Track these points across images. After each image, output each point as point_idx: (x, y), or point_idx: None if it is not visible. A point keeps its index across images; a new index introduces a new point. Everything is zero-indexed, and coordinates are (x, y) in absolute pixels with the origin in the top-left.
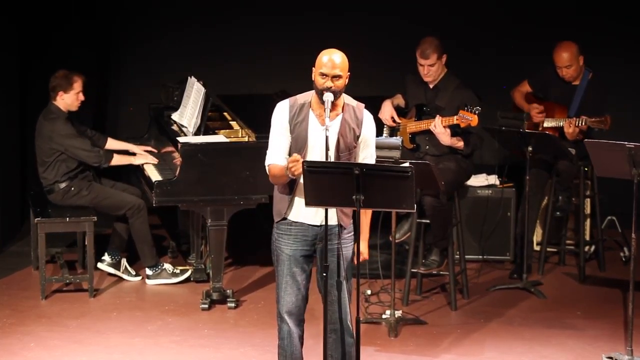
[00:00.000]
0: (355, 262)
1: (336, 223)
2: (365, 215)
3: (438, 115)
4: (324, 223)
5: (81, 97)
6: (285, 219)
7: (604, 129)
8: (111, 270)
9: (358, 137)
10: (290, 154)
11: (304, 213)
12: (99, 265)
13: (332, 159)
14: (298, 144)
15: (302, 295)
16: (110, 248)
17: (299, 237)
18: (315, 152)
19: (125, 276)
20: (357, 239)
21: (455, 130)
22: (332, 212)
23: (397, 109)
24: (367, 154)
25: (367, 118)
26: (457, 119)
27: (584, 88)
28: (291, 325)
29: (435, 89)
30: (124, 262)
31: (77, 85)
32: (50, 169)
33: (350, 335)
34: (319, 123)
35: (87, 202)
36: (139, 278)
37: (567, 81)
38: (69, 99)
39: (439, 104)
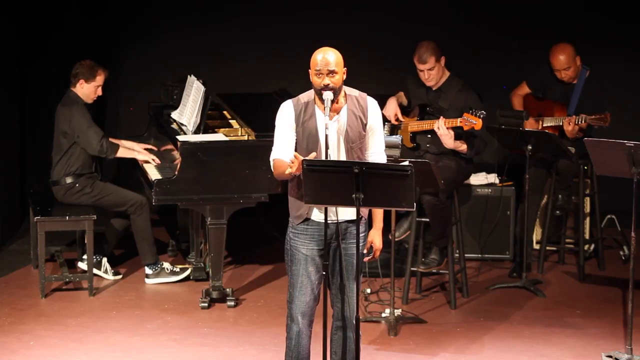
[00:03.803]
0: (366, 257)
1: (354, 217)
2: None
3: (442, 117)
4: (342, 219)
5: (99, 91)
6: (306, 219)
7: (604, 126)
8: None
9: (366, 125)
10: (300, 153)
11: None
12: (80, 264)
13: (343, 151)
14: (309, 142)
15: (315, 295)
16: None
17: (316, 237)
18: (328, 150)
19: (105, 275)
20: (358, 239)
21: (458, 133)
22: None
23: (400, 106)
24: (376, 142)
25: (372, 105)
26: (460, 122)
27: (581, 86)
28: (302, 326)
29: (438, 91)
30: (104, 261)
31: (100, 78)
32: (63, 160)
33: (354, 332)
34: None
35: (90, 199)
36: (119, 277)
37: (566, 81)
38: (87, 90)
39: (442, 104)
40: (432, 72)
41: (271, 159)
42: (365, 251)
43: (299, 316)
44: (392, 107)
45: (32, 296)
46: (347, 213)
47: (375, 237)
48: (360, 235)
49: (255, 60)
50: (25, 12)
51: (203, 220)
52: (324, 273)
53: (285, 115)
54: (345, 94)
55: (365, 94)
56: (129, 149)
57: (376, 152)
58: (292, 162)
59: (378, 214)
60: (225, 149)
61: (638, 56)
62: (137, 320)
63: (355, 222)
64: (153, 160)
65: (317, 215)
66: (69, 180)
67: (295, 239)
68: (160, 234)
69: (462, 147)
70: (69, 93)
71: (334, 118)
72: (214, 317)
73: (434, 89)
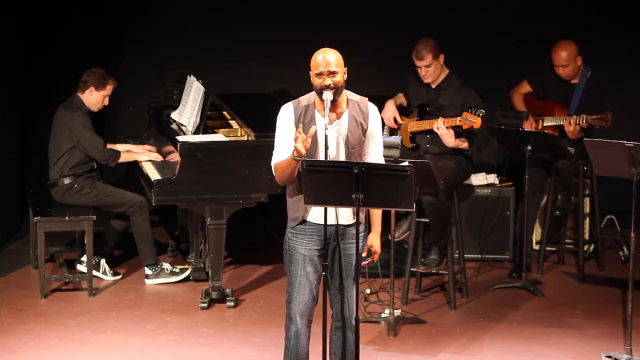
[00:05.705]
0: (364, 258)
1: (353, 221)
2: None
3: (440, 117)
4: (339, 222)
5: (106, 101)
6: (303, 221)
7: (605, 125)
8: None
9: (366, 130)
10: None
11: (322, 213)
12: (78, 266)
13: (343, 155)
14: (310, 146)
15: (313, 295)
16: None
17: (314, 237)
18: (327, 151)
19: (103, 276)
20: (357, 240)
21: (458, 131)
22: (348, 210)
23: (399, 108)
24: (376, 147)
25: (373, 111)
26: (460, 121)
27: (582, 86)
28: (301, 326)
29: (437, 89)
30: (103, 262)
31: (109, 88)
32: (61, 161)
33: (353, 333)
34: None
35: (89, 200)
36: (119, 277)
37: (566, 80)
38: (95, 98)
39: (442, 102)
40: (429, 69)
41: (272, 164)
42: (364, 254)
43: (297, 316)
44: (391, 111)
45: (32, 296)
46: (343, 218)
47: (374, 241)
48: (360, 235)
49: (255, 60)
50: (26, 12)
51: (203, 220)
52: (324, 273)
53: (285, 119)
54: (347, 98)
55: (367, 99)
56: (130, 152)
57: (375, 157)
58: (296, 137)
59: (377, 217)
60: (225, 150)
61: (638, 56)
62: (137, 320)
63: (354, 224)
64: (156, 158)
65: (313, 217)
66: (67, 181)
67: (293, 239)
68: (160, 235)
69: (464, 144)
70: (75, 98)
71: (334, 123)
72: (214, 317)
73: (433, 86)
